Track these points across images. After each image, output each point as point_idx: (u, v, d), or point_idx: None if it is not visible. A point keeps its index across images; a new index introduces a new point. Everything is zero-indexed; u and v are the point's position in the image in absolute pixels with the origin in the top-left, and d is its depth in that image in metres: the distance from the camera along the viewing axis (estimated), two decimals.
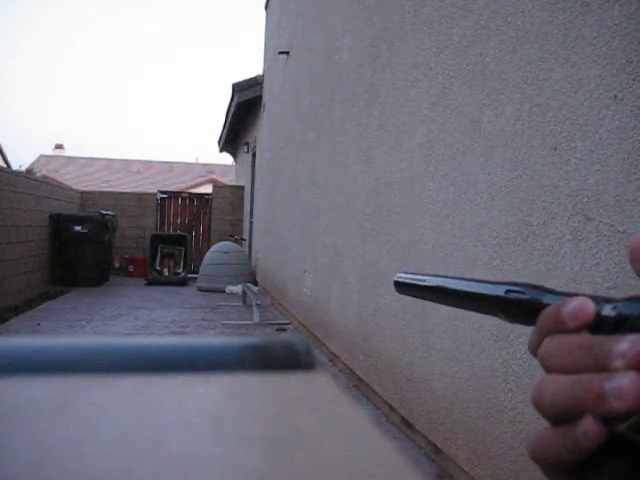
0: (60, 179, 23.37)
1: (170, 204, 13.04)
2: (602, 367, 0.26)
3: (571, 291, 0.32)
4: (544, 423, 0.30)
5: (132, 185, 26.97)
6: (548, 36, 2.19)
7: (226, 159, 40.13)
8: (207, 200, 13.09)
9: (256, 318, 6.74)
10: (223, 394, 0.31)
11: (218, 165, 34.78)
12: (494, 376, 2.50)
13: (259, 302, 6.80)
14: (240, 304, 8.22)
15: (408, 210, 3.52)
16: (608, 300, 0.29)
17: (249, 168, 12.10)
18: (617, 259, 1.80)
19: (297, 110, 7.22)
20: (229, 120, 12.22)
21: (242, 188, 13.16)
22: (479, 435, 2.61)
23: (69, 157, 34.48)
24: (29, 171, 20.03)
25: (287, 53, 8.07)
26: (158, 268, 11.00)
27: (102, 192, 13.39)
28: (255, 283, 10.21)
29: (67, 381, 0.30)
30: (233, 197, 13.06)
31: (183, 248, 11.17)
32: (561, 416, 0.28)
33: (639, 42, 1.74)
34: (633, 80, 1.76)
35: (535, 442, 0.29)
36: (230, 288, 9.49)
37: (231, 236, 12.10)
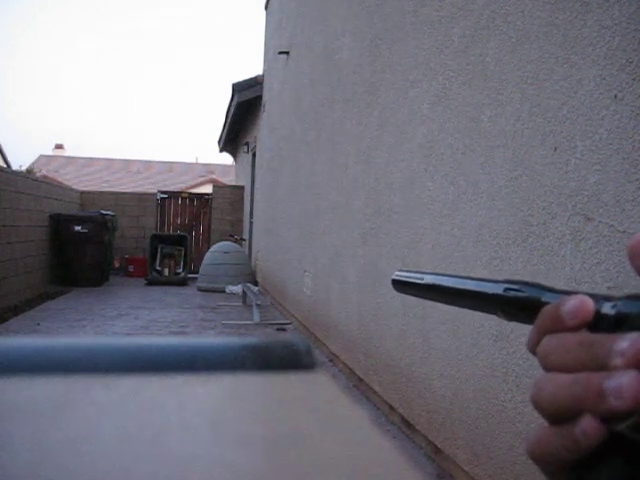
0: (60, 179, 23.38)
1: (170, 204, 13.04)
2: (602, 366, 0.26)
3: (572, 290, 0.32)
4: (544, 423, 0.30)
5: (132, 185, 26.97)
6: (548, 36, 2.19)
7: (226, 159, 40.13)
8: (207, 200, 13.09)
9: (256, 318, 6.74)
10: (223, 394, 0.31)
11: (218, 165, 34.78)
12: (494, 376, 2.50)
13: (259, 302, 6.80)
14: (240, 304, 8.22)
15: (408, 210, 3.52)
16: (607, 298, 0.29)
17: (249, 168, 12.10)
18: (617, 259, 1.80)
19: (297, 110, 7.22)
20: (229, 120, 12.22)
21: (242, 188, 13.16)
22: (479, 435, 2.61)
23: (69, 157, 34.48)
24: (29, 171, 20.02)
25: (287, 53, 8.07)
26: (158, 268, 11.00)
27: (102, 192, 13.40)
28: (255, 283, 10.21)
29: (67, 381, 0.30)
30: (233, 197, 13.06)
31: (183, 248, 11.17)
32: (560, 415, 0.28)
33: (639, 42, 1.74)
34: (633, 80, 1.76)
35: (534, 441, 0.29)
36: (230, 288, 9.49)
37: (231, 236, 12.10)
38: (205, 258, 10.18)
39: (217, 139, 14.85)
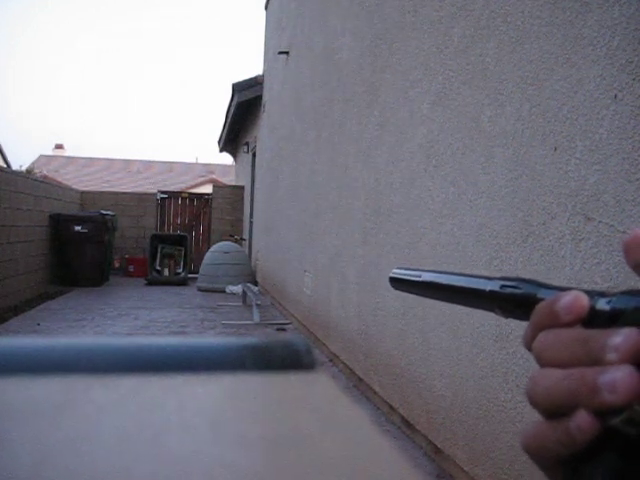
0: (60, 179, 23.38)
1: (170, 204, 13.04)
2: (596, 361, 0.26)
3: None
4: (540, 418, 0.30)
5: (132, 185, 26.97)
6: (548, 36, 2.19)
7: (226, 159, 40.13)
8: (207, 200, 13.09)
9: (256, 318, 6.74)
10: (223, 394, 0.31)
11: (218, 165, 34.78)
12: (494, 376, 2.50)
13: (259, 302, 6.80)
14: (240, 304, 8.22)
15: (408, 210, 3.52)
16: (602, 294, 0.29)
17: (249, 168, 12.10)
18: (617, 259, 1.80)
19: (297, 110, 7.22)
20: (229, 120, 12.22)
21: (242, 188, 13.16)
22: (479, 435, 2.60)
23: (69, 157, 34.48)
24: (29, 171, 20.03)
25: (287, 53, 8.07)
26: (158, 268, 11.00)
27: (102, 192, 13.40)
28: (255, 283, 10.21)
29: (67, 381, 0.30)
30: (233, 197, 13.06)
31: (183, 248, 11.17)
32: (555, 410, 0.28)
33: (639, 42, 1.74)
34: (633, 80, 1.76)
35: (529, 436, 0.29)
36: (230, 288, 9.49)
37: (231, 236, 12.10)
38: (205, 258, 10.18)
39: (217, 139, 14.85)
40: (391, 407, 3.71)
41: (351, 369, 4.59)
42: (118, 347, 0.33)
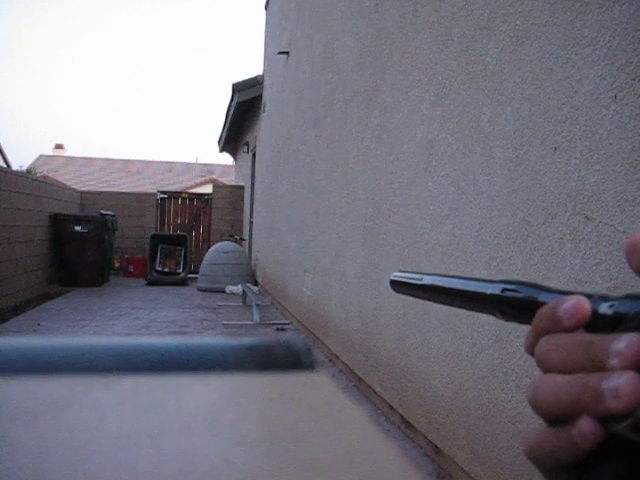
0: (60, 179, 23.38)
1: (170, 204, 13.03)
2: (599, 366, 0.26)
3: (569, 290, 0.32)
4: (543, 422, 0.30)
5: (132, 185, 26.97)
6: (548, 36, 2.19)
7: (226, 159, 40.15)
8: (207, 200, 13.09)
9: (256, 318, 6.74)
10: (223, 394, 0.31)
11: (218, 165, 34.79)
12: (494, 376, 2.50)
13: (259, 302, 6.80)
14: (240, 304, 8.22)
15: (408, 210, 3.52)
16: (605, 298, 0.29)
17: (249, 168, 12.10)
18: (617, 259, 1.80)
19: (297, 110, 7.22)
20: (229, 120, 12.22)
21: (242, 188, 13.16)
22: (479, 435, 2.60)
23: (69, 157, 34.48)
24: (29, 171, 20.03)
25: (287, 53, 8.07)
26: (158, 268, 11.00)
27: (102, 192, 13.39)
28: (255, 283, 10.21)
29: (67, 381, 0.30)
30: (233, 197, 13.06)
31: (183, 248, 11.17)
32: (558, 416, 0.28)
33: (639, 42, 1.74)
34: (633, 80, 1.76)
35: (531, 442, 0.29)
36: (230, 288, 9.49)
37: (231, 236, 12.10)
38: (205, 258, 10.18)
39: (217, 139, 14.85)
40: (391, 407, 3.71)
41: (351, 369, 4.59)
42: (118, 347, 0.33)
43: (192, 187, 26.91)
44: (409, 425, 3.43)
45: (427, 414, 3.16)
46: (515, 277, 2.34)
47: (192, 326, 6.50)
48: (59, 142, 38.08)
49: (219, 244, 10.44)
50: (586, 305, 0.28)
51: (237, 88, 10.53)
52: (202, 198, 13.21)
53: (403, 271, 0.43)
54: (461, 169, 2.86)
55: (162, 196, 13.00)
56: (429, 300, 0.41)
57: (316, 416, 0.28)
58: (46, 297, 8.49)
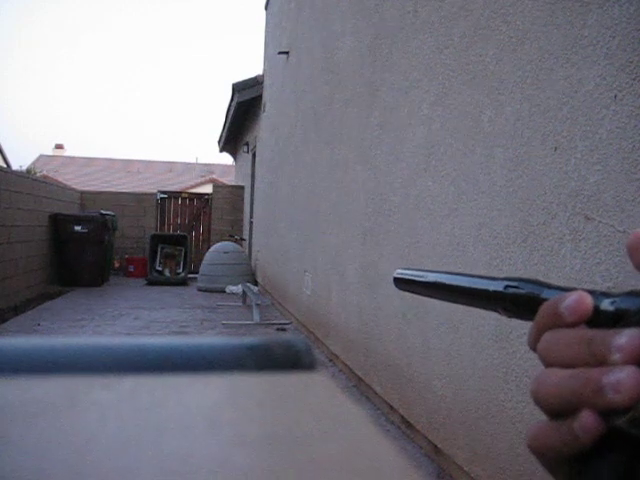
0: (60, 179, 23.38)
1: (170, 204, 13.03)
2: (600, 361, 0.27)
3: (572, 286, 0.32)
4: (545, 416, 0.30)
5: (132, 185, 26.98)
6: (548, 36, 2.19)
7: (226, 159, 40.15)
8: (207, 200, 13.09)
9: (256, 318, 6.74)
10: (223, 394, 0.31)
11: (218, 165, 34.80)
12: (494, 376, 2.50)
13: (259, 302, 6.81)
14: (240, 304, 8.22)
15: (408, 210, 3.52)
16: (607, 294, 0.29)
17: (249, 168, 12.11)
18: (617, 259, 1.80)
19: (297, 110, 7.22)
20: (229, 120, 12.22)
21: (242, 188, 13.16)
22: (479, 435, 2.60)
23: (69, 157, 34.49)
24: (29, 171, 20.04)
25: (287, 53, 8.07)
26: (159, 268, 11.00)
27: (102, 192, 13.39)
28: (255, 283, 10.21)
29: (67, 381, 0.30)
30: (233, 197, 13.06)
31: (183, 248, 11.17)
32: (559, 410, 0.28)
33: (639, 42, 1.74)
34: (633, 80, 1.76)
35: (533, 435, 0.30)
36: (230, 288, 9.49)
37: (231, 236, 12.10)
38: (205, 258, 10.18)
39: (217, 139, 14.85)
40: (391, 407, 3.71)
41: (351, 369, 4.59)
42: (118, 347, 0.33)
43: (192, 187, 26.92)
44: (409, 425, 3.43)
45: (427, 414, 3.16)
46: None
47: (192, 326, 6.50)
48: (59, 142, 38.11)
49: (219, 244, 10.44)
50: (588, 301, 0.29)
51: (237, 88, 10.53)
52: (202, 198, 13.21)
53: (406, 268, 0.44)
54: (461, 169, 2.86)
55: (162, 196, 13.00)
56: (432, 297, 0.41)
57: (316, 416, 0.28)
58: (46, 297, 8.49)
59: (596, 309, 0.29)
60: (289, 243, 7.40)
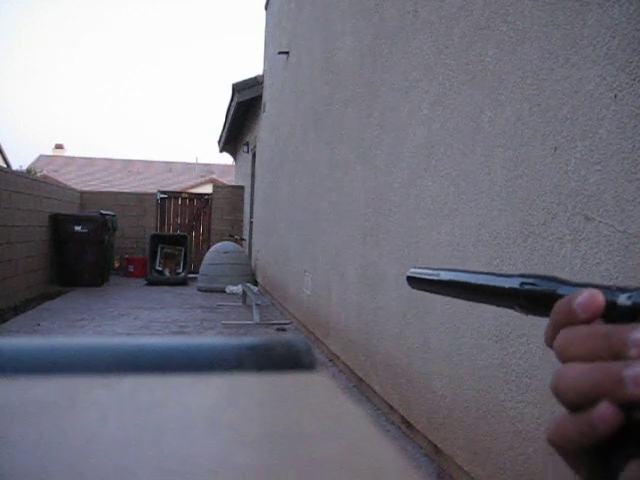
0: (61, 179, 23.38)
1: (170, 204, 13.03)
2: (618, 356, 0.27)
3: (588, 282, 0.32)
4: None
5: (133, 185, 26.98)
6: (548, 36, 2.19)
7: (226, 159, 40.15)
8: (207, 200, 13.09)
9: (256, 318, 6.74)
10: (223, 394, 0.31)
11: (218, 165, 34.80)
12: (494, 376, 2.50)
13: (259, 302, 6.81)
14: (240, 304, 8.22)
15: (408, 210, 3.52)
16: (623, 289, 0.29)
17: (249, 168, 12.10)
18: (617, 259, 1.80)
19: (297, 110, 7.22)
20: (229, 120, 12.22)
21: (242, 188, 13.16)
22: (479, 435, 2.61)
23: (69, 157, 34.50)
24: (29, 171, 20.04)
25: (287, 53, 8.07)
26: (159, 268, 11.00)
27: (102, 192, 13.39)
28: (255, 283, 10.21)
29: (67, 381, 0.30)
30: (233, 197, 13.06)
31: (183, 248, 11.17)
32: (579, 402, 0.28)
33: (639, 42, 1.74)
34: (633, 80, 1.76)
35: (553, 427, 0.30)
36: (230, 288, 9.49)
37: (231, 236, 12.10)
38: (205, 258, 10.18)
39: (217, 139, 14.85)
40: (391, 407, 3.71)
41: (351, 369, 4.59)
42: (118, 347, 0.33)
43: (192, 187, 26.91)
44: (409, 425, 3.43)
45: (427, 414, 3.16)
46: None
47: (192, 326, 6.50)
48: (59, 142, 38.11)
49: (219, 244, 10.44)
50: (599, 298, 0.29)
51: (237, 88, 10.53)
52: (202, 198, 13.21)
53: (419, 267, 0.44)
54: (461, 169, 2.86)
55: (162, 196, 13.00)
56: (447, 295, 0.41)
57: (316, 416, 0.28)
58: (46, 297, 8.49)
59: (613, 304, 0.29)
60: (289, 243, 7.40)
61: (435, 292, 0.42)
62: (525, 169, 2.32)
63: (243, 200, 12.95)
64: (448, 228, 2.97)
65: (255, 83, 10.58)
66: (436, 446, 3.05)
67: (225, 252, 9.99)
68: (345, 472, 0.22)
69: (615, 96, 1.83)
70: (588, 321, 0.29)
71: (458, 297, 0.40)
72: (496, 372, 2.48)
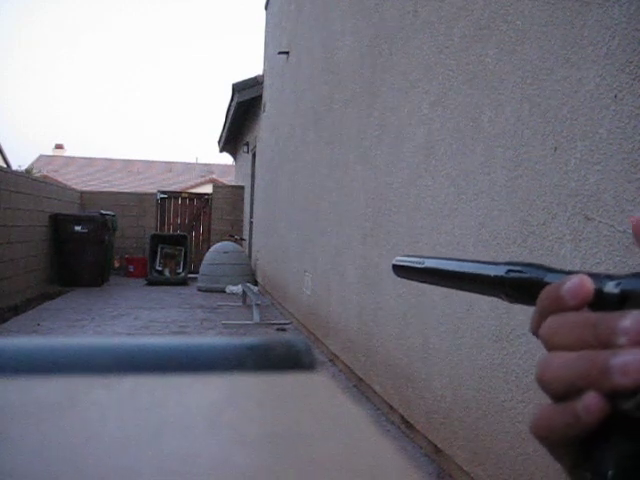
0: (61, 179, 23.38)
1: (170, 204, 13.03)
2: (606, 344, 0.26)
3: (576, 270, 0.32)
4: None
5: (133, 185, 26.99)
6: (548, 36, 2.19)
7: (226, 159, 40.15)
8: (207, 200, 13.09)
9: (256, 318, 6.74)
10: (223, 394, 0.31)
11: (218, 165, 34.80)
12: (494, 376, 2.50)
13: (259, 302, 6.80)
14: (240, 304, 8.22)
15: (408, 210, 3.52)
16: (611, 277, 0.29)
17: (249, 168, 12.11)
18: (617, 259, 1.80)
19: (297, 110, 7.22)
20: (229, 120, 12.22)
21: (242, 188, 13.16)
22: (479, 435, 2.60)
23: (69, 157, 34.50)
24: (28, 171, 20.04)
25: (287, 53, 8.07)
26: (159, 268, 11.00)
27: (102, 192, 13.40)
28: (255, 283, 10.21)
29: (67, 381, 0.30)
30: (233, 197, 13.06)
31: (183, 248, 11.17)
32: (564, 392, 0.28)
33: (639, 42, 1.74)
34: (633, 80, 1.76)
35: (536, 418, 0.29)
36: (230, 288, 9.49)
37: (231, 236, 12.10)
38: (205, 258, 10.18)
39: (217, 139, 14.85)
40: (391, 407, 3.71)
41: (351, 369, 4.59)
42: (118, 347, 0.33)
43: (192, 187, 26.92)
44: (409, 425, 3.43)
45: (427, 414, 3.16)
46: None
47: (192, 326, 6.50)
48: (59, 142, 38.12)
49: (219, 244, 10.44)
50: (589, 284, 0.28)
51: (237, 88, 10.52)
52: (202, 198, 13.21)
53: (405, 255, 0.43)
54: (461, 169, 2.86)
55: (162, 196, 13.00)
56: (432, 284, 0.40)
57: (316, 416, 0.28)
58: (46, 297, 8.49)
59: (600, 292, 0.28)
60: (289, 243, 7.40)
61: (420, 281, 0.41)
62: (525, 169, 2.32)
63: (243, 200, 12.95)
64: (448, 228, 2.97)
65: (255, 83, 10.58)
66: (436, 446, 3.05)
67: (225, 252, 9.99)
68: (345, 472, 0.22)
69: (615, 96, 1.83)
70: (576, 308, 0.28)
71: (443, 285, 0.39)
72: (496, 372, 2.48)
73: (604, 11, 1.88)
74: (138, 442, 0.24)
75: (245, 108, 11.26)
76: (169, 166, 34.65)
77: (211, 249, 10.38)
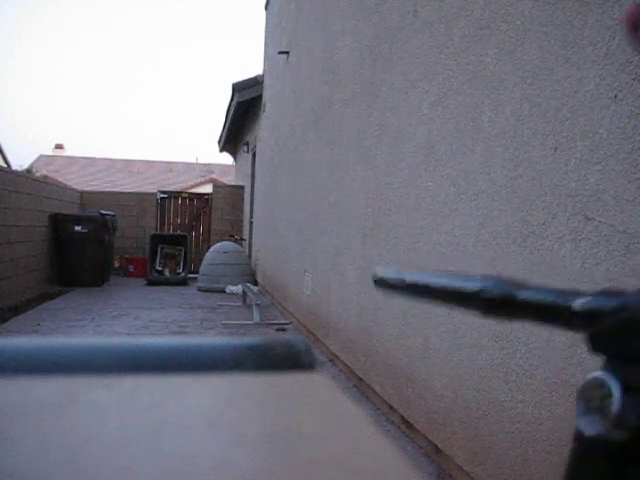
0: (61, 179, 23.38)
1: (170, 204, 13.03)
2: None
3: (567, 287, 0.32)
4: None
5: (134, 185, 27.00)
6: (548, 36, 2.19)
7: (226, 159, 40.16)
8: (207, 200, 13.09)
9: (256, 318, 6.74)
10: (223, 394, 0.31)
11: (218, 165, 34.80)
12: (494, 376, 2.50)
13: (259, 302, 6.80)
14: (240, 304, 8.22)
15: (408, 210, 3.52)
16: (580, 294, 0.29)
17: (249, 168, 12.11)
18: (617, 259, 1.80)
19: (297, 110, 7.22)
20: (229, 120, 12.22)
21: (242, 188, 13.16)
22: (479, 435, 2.60)
23: (69, 157, 34.50)
24: (28, 171, 20.03)
25: (287, 53, 8.07)
26: (159, 268, 10.99)
27: (102, 192, 13.39)
28: (255, 283, 10.21)
29: (67, 381, 0.30)
30: (233, 197, 13.06)
31: (183, 248, 11.17)
32: None
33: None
34: (633, 80, 1.76)
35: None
36: (230, 288, 9.49)
37: (231, 236, 12.10)
38: (205, 258, 10.18)
39: (217, 139, 14.85)
40: (391, 407, 3.71)
41: (351, 369, 4.59)
42: (118, 347, 0.33)
43: (192, 187, 26.92)
44: (409, 425, 3.43)
45: (427, 414, 3.16)
46: (514, 277, 2.34)
47: (192, 326, 6.50)
48: (59, 142, 38.12)
49: (219, 244, 10.44)
50: None
51: (237, 88, 10.53)
52: (202, 198, 13.21)
53: (387, 266, 0.43)
54: (461, 169, 2.86)
55: (162, 196, 12.99)
56: (413, 299, 0.40)
57: (316, 416, 0.28)
58: (46, 297, 8.49)
59: (568, 310, 0.28)
60: (289, 243, 7.40)
61: (401, 295, 0.41)
62: (525, 169, 2.32)
63: (243, 200, 12.95)
64: (448, 228, 2.97)
65: (255, 83, 10.58)
66: (436, 446, 3.05)
67: (225, 252, 9.99)
68: (345, 472, 0.22)
69: (615, 96, 1.83)
70: None
71: (423, 301, 0.39)
72: (496, 372, 2.48)
73: (604, 11, 1.88)
74: (138, 442, 0.24)
75: (245, 108, 11.27)
76: (169, 166, 34.65)
77: (211, 249, 10.37)
